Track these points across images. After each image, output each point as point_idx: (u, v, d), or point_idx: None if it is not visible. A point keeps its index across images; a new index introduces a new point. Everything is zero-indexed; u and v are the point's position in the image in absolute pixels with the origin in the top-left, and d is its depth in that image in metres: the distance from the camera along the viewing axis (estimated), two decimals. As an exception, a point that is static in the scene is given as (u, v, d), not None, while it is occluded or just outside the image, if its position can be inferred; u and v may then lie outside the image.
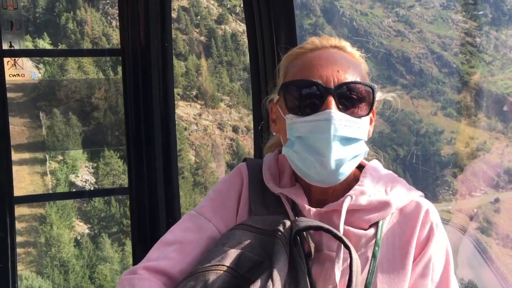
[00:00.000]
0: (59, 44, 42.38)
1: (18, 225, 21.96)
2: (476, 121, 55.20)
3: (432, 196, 43.20)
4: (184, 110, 37.19)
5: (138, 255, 2.07)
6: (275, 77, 1.37)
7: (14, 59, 2.60)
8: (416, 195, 1.29)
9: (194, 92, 39.71)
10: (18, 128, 26.28)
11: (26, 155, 24.76)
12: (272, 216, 1.23)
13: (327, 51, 1.26)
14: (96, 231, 25.54)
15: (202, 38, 51.52)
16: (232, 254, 1.14)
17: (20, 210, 22.41)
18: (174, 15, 51.75)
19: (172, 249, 1.23)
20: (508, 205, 43.87)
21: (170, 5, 2.13)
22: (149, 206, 2.12)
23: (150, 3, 2.06)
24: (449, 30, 65.29)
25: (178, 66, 39.34)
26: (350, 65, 1.23)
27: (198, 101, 39.39)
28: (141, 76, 2.08)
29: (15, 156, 24.44)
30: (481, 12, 64.99)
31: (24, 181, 23.69)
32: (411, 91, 58.78)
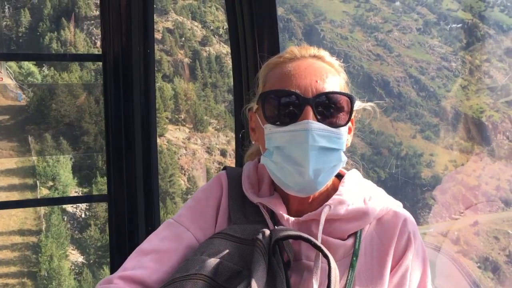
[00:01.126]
0: (43, 64, 42.04)
1: (11, 254, 21.28)
2: (453, 144, 56.34)
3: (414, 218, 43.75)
4: (173, 134, 37.12)
5: (116, 263, 2.03)
6: (255, 86, 1.36)
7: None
8: (394, 205, 1.29)
9: (182, 116, 39.74)
10: (6, 153, 25.65)
11: (15, 181, 24.11)
12: (251, 225, 1.23)
13: (306, 61, 1.26)
14: (92, 261, 24.95)
15: (187, 59, 51.76)
16: (211, 263, 1.13)
17: (12, 239, 21.76)
18: (159, 36, 51.92)
19: (149, 259, 1.21)
20: (486, 228, 44.71)
21: (153, 11, 2.10)
22: (128, 213, 2.05)
23: (132, 9, 2.04)
24: (426, 54, 66.96)
25: (166, 90, 39.33)
26: (329, 75, 1.23)
27: (187, 125, 39.40)
28: (122, 82, 2.04)
29: (4, 181, 23.86)
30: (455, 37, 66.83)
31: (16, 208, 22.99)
32: (391, 114, 59.94)
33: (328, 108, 1.19)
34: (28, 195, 22.79)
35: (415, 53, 67.17)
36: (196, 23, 56.67)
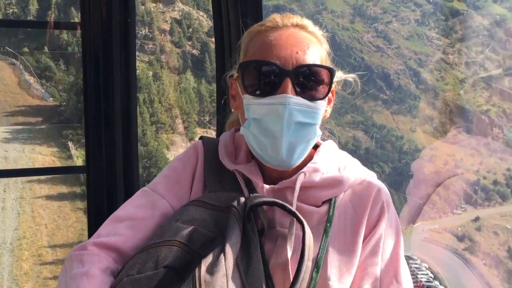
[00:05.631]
0: (60, 58, 41.94)
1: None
2: (451, 138, 57.39)
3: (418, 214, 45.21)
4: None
5: (93, 233, 1.86)
6: (237, 53, 1.34)
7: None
8: (369, 175, 1.30)
9: (207, 118, 40.15)
10: (48, 159, 25.92)
11: (64, 189, 24.48)
12: (226, 193, 1.23)
13: (288, 30, 1.24)
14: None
15: (195, 51, 51.75)
16: (185, 230, 1.14)
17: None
18: (167, 27, 51.69)
19: (124, 225, 1.22)
20: (487, 223, 46.26)
21: (133, -19, 2.07)
22: (107, 185, 2.04)
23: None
24: (424, 46, 67.58)
25: (192, 91, 39.43)
26: (310, 46, 1.21)
27: (212, 127, 39.91)
28: (102, 52, 2.01)
29: (54, 189, 24.16)
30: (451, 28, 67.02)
31: (70, 218, 23.44)
32: (391, 106, 60.85)
33: (308, 80, 1.18)
34: (79, 205, 23.21)
35: (414, 45, 67.58)
36: (201, 13, 56.28)
